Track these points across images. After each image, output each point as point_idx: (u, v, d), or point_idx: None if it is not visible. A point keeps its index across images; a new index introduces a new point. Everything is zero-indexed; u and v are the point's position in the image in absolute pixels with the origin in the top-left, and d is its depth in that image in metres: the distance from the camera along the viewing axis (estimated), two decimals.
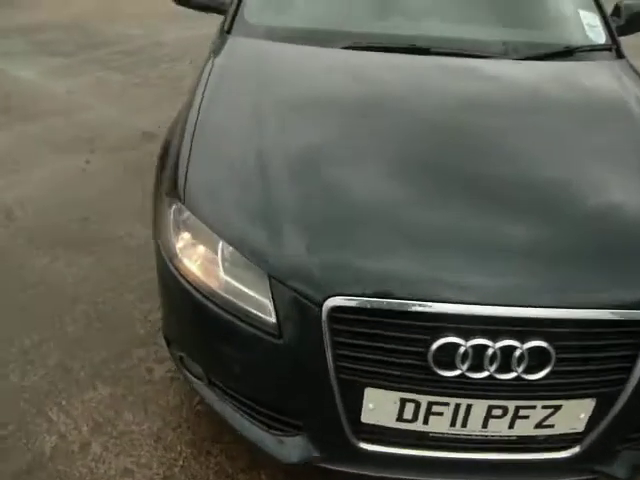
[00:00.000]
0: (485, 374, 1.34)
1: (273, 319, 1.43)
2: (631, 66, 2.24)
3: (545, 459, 1.50)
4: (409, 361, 1.36)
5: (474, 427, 1.43)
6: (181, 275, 1.58)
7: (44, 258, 2.65)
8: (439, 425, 1.43)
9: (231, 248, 1.50)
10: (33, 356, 2.16)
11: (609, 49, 2.29)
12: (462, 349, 1.32)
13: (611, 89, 2.09)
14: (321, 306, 1.35)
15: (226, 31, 2.30)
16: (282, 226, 1.47)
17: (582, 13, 2.44)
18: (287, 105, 1.86)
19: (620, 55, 2.29)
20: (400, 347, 1.36)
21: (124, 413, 1.97)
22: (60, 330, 2.27)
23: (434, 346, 1.32)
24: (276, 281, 1.41)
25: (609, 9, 2.48)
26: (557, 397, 1.40)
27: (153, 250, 1.71)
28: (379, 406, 1.42)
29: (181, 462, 1.83)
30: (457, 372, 1.34)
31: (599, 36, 2.35)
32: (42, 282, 2.51)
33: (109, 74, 4.90)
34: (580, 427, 1.44)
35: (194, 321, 1.61)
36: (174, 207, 1.63)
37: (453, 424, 1.43)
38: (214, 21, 2.50)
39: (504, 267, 1.41)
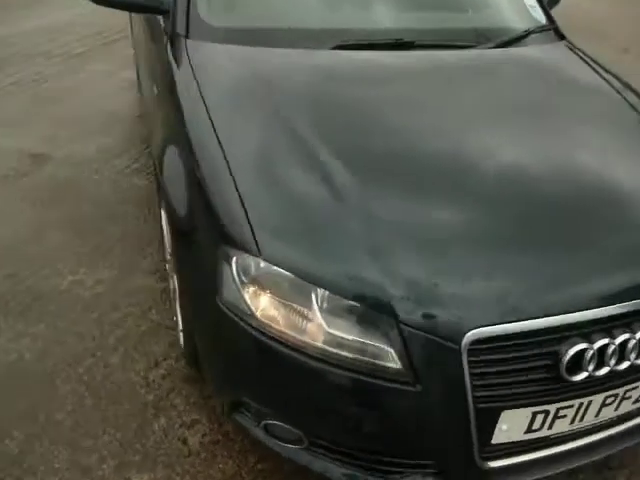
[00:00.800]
0: (606, 370, 1.39)
1: (397, 365, 1.32)
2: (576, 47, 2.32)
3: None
4: (542, 375, 1.37)
5: (589, 419, 1.49)
6: (267, 337, 1.37)
7: None
8: (561, 426, 1.47)
9: (330, 295, 1.33)
10: (29, 462, 1.75)
11: (555, 30, 2.35)
12: (590, 352, 1.35)
13: (590, 76, 2.13)
14: (460, 342, 1.29)
15: (184, 35, 1.98)
16: (398, 265, 1.34)
17: None
18: (345, 133, 1.67)
19: (561, 35, 2.35)
20: (533, 364, 1.37)
21: None
22: (47, 421, 1.86)
23: (567, 355, 1.35)
24: (405, 325, 1.29)
25: None
26: None
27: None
28: (512, 425, 1.42)
29: None
30: (584, 374, 1.38)
31: (541, 16, 2.42)
32: None
33: None
34: None
35: (292, 384, 1.41)
36: (235, 259, 1.40)
37: (572, 422, 1.47)
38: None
39: (611, 269, 1.45)
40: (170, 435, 1.85)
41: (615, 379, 1.43)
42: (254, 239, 1.38)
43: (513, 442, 1.45)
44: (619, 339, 1.37)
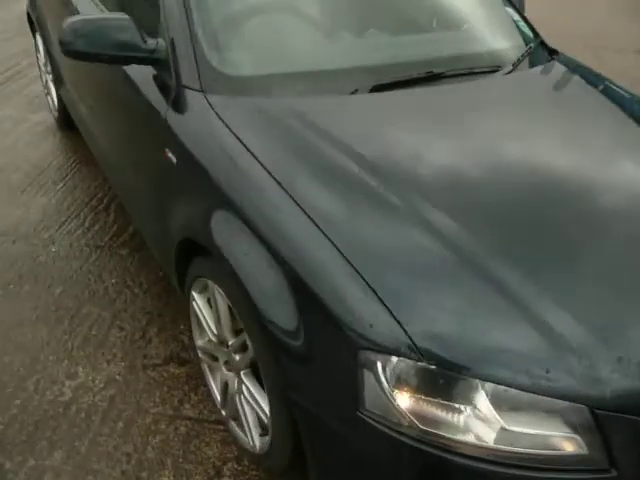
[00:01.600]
0: None
1: (584, 451, 1.18)
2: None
3: None
4: None
5: None
6: (431, 446, 1.17)
7: None
8: None
9: (504, 389, 1.15)
10: None
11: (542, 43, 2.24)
12: None
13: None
14: None
15: (199, 89, 1.68)
16: (575, 341, 1.18)
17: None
18: (450, 191, 1.48)
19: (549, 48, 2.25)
20: None
21: None
22: None
23: None
24: (599, 410, 1.14)
25: None
26: None
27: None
28: None
29: None
30: None
31: (528, 30, 2.33)
32: None
33: None
34: None
35: None
36: (381, 363, 1.19)
37: None
38: None
39: None
40: None
41: None
42: (409, 338, 1.17)
43: None
44: None
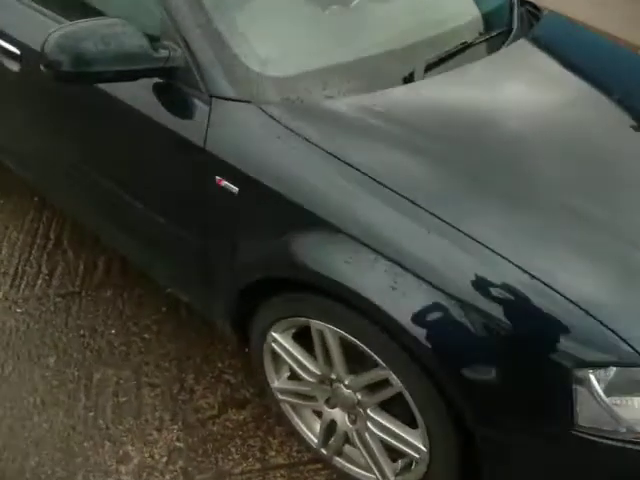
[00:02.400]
0: None
1: None
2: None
3: None
4: None
5: None
6: None
7: None
8: None
9: None
10: None
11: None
12: None
13: None
14: None
15: (247, 99, 1.38)
16: None
17: None
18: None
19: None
20: None
21: None
22: None
23: None
24: None
25: None
26: None
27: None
28: None
29: None
30: None
31: None
32: None
33: None
34: None
35: None
36: (594, 376, 1.13)
37: None
38: None
39: None
40: None
41: None
42: (628, 346, 1.10)
43: None
44: None
